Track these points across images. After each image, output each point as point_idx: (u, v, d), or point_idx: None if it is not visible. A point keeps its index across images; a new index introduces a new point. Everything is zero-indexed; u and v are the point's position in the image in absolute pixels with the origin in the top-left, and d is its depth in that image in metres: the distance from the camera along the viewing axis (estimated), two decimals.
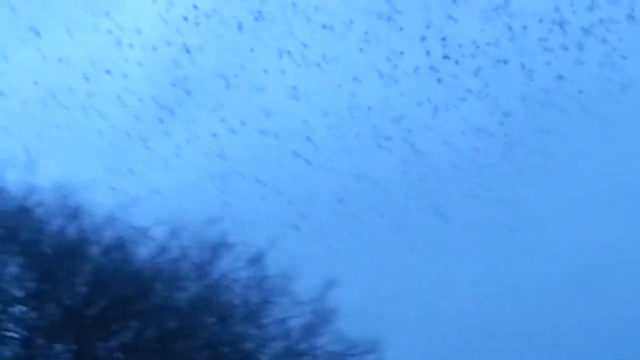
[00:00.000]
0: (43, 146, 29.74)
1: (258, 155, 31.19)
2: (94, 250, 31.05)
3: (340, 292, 32.48)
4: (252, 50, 27.52)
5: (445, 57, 25.74)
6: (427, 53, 25.88)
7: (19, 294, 30.51)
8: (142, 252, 31.18)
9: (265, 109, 29.59)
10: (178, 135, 30.66)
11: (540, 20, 24.99)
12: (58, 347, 30.24)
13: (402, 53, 26.64)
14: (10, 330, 29.72)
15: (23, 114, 29.93)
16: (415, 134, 30.10)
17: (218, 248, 31.73)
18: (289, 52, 26.68)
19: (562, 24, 24.33)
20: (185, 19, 26.76)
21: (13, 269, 30.52)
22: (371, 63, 27.42)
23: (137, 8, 28.33)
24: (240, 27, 26.54)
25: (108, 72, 28.44)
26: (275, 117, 29.66)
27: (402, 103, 29.13)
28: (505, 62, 25.73)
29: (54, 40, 28.91)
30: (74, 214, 30.71)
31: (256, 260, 32.17)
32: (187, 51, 27.58)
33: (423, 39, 25.43)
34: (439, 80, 26.52)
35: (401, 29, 25.73)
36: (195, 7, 26.25)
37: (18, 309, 30.64)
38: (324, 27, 26.01)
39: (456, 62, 25.92)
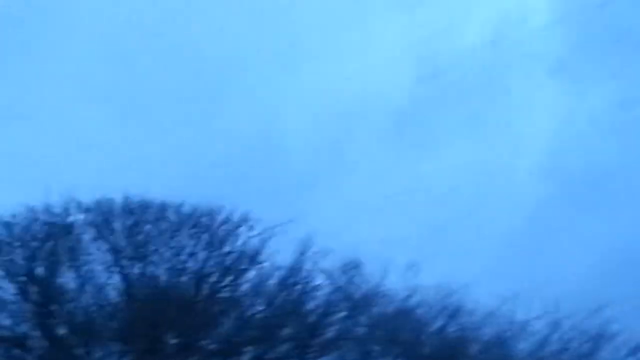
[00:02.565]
0: (426, 247, 31.21)
1: None
2: (473, 348, 32.22)
3: None
4: None
5: None
6: None
7: None
8: (522, 346, 32.10)
9: None
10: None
11: None
12: None
13: None
14: None
15: (409, 216, 31.67)
16: None
17: (599, 339, 32.33)
18: None
19: None
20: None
21: None
22: None
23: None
24: None
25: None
26: None
27: None
28: None
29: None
30: (455, 313, 31.96)
31: (637, 349, 32.61)
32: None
33: None
34: None
35: None
36: None
37: None
38: None
39: None
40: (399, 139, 36.06)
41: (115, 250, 31.00)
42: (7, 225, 30.52)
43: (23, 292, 30.67)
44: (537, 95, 35.94)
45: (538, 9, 37.60)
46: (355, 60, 35.61)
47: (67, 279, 30.83)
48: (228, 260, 31.32)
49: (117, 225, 31.06)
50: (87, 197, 30.57)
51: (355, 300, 31.85)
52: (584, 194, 34.67)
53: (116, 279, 31.04)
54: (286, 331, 31.29)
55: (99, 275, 30.89)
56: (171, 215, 31.28)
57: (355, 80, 35.39)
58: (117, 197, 30.85)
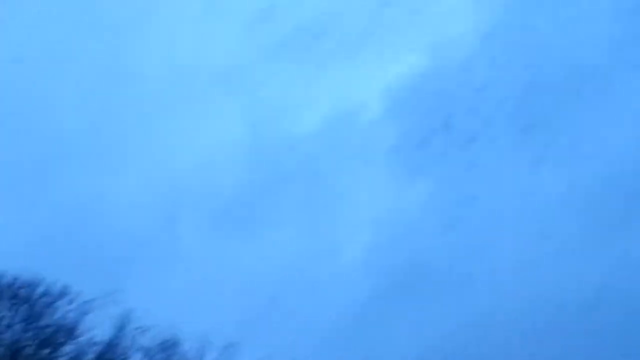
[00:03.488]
0: (246, 329, 32.43)
1: None
2: None
3: None
4: None
5: None
6: None
7: None
8: None
9: None
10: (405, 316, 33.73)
11: None
12: None
13: None
14: None
15: (231, 298, 32.94)
16: None
17: None
18: None
19: None
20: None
21: None
22: None
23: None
24: None
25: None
26: None
27: None
28: None
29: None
30: None
31: None
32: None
33: None
34: None
35: None
36: None
37: None
38: None
39: None
40: (228, 222, 37.55)
41: None
42: None
43: None
44: (364, 186, 38.03)
45: (371, 102, 40.03)
46: (187, 143, 37.21)
47: None
48: (45, 333, 31.79)
49: None
50: None
51: None
52: (408, 282, 36.50)
53: None
54: None
55: None
56: None
57: (187, 163, 36.95)
58: None
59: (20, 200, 34.89)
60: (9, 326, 31.75)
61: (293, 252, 36.18)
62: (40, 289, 32.15)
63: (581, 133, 40.30)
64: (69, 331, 32.08)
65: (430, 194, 38.41)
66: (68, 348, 32.17)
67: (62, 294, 32.20)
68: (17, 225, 34.14)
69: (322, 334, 34.91)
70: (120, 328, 32.33)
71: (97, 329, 32.03)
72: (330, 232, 37.07)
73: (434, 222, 37.63)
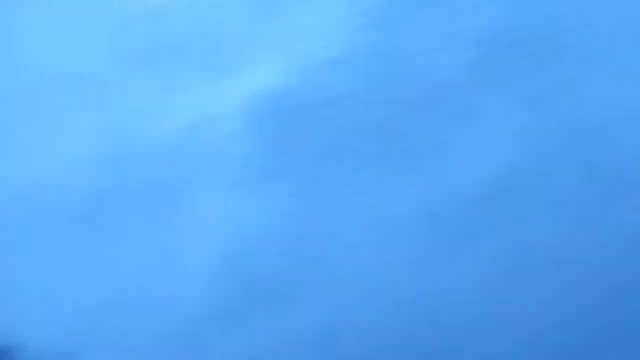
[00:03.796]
0: (88, 337, 32.56)
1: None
2: None
3: None
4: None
5: None
6: None
7: None
8: None
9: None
10: (238, 336, 34.17)
11: None
12: None
13: None
14: None
15: (71, 305, 32.96)
16: None
17: None
18: None
19: None
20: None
21: None
22: None
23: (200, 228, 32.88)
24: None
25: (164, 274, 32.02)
26: None
27: None
28: None
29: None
30: None
31: None
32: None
33: None
34: None
35: None
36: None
37: None
38: None
39: None
40: (75, 230, 37.54)
41: None
42: None
43: None
44: (216, 198, 38.54)
45: (229, 116, 40.58)
46: (38, 151, 37.14)
47: None
48: None
49: None
50: None
51: None
52: (252, 296, 37.12)
53: None
54: None
55: None
56: None
57: (37, 171, 36.82)
58: None
59: None
60: None
61: (139, 262, 36.45)
62: None
63: (432, 154, 41.78)
64: None
65: (282, 209, 39.25)
66: None
67: None
68: None
69: (161, 346, 35.31)
70: None
71: None
72: (177, 243, 37.48)
73: (283, 236, 38.42)
